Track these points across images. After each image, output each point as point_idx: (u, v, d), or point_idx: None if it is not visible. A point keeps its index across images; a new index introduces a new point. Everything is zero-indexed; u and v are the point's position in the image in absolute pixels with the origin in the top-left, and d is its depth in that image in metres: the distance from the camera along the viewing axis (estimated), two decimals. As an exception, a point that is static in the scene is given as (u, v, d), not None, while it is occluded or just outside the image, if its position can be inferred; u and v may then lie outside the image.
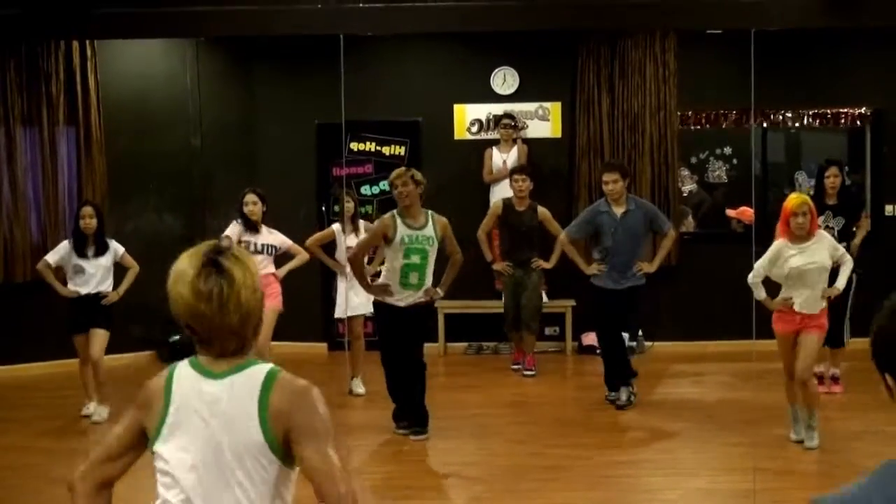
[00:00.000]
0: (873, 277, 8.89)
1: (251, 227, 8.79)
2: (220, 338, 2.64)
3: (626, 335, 9.35)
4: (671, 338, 11.12)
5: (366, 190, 11.35)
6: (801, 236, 7.19)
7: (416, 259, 7.52)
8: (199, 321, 2.62)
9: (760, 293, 7.35)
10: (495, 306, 10.55)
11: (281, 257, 9.03)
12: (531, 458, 7.28)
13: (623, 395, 8.61)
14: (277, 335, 9.09)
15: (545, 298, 10.74)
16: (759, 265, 7.32)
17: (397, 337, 7.67)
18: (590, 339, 10.64)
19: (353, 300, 8.98)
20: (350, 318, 9.17)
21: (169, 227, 11.20)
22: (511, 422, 8.46)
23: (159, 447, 2.69)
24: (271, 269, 8.79)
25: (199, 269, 2.61)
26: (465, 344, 11.26)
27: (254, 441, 2.61)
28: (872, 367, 1.95)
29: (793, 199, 7.28)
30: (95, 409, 8.47)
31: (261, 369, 2.67)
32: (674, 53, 11.12)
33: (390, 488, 6.73)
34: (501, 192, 10.49)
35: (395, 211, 7.63)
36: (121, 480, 2.78)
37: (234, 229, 8.75)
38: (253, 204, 8.75)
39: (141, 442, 2.75)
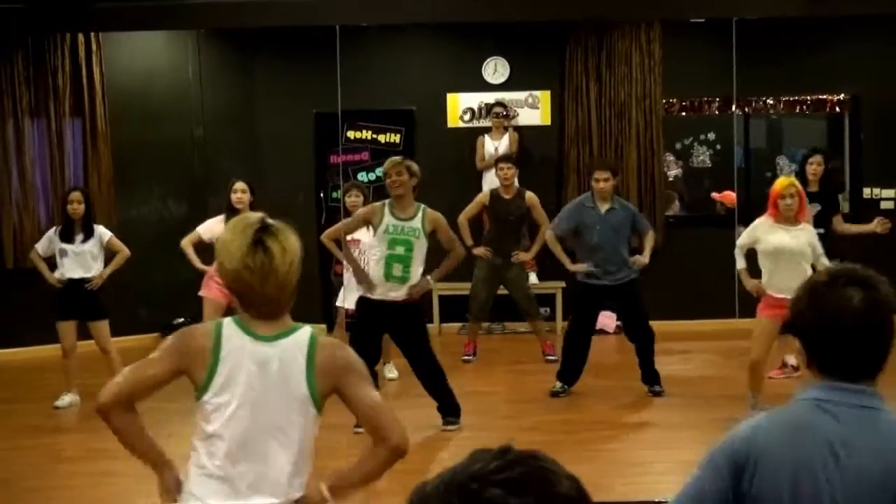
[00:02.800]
0: (852, 259, 9.19)
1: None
2: (258, 303, 3.06)
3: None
4: (657, 317, 11.04)
5: (362, 176, 11.62)
6: (788, 218, 7.31)
7: (400, 250, 7.42)
8: (243, 288, 3.05)
9: (741, 262, 7.59)
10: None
11: None
12: (522, 434, 7.37)
13: (557, 386, 8.60)
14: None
15: (535, 279, 10.96)
16: (743, 234, 7.63)
17: (371, 337, 7.49)
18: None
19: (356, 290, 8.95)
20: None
21: (172, 213, 11.44)
22: (502, 399, 8.66)
23: (208, 398, 3.07)
24: None
25: (249, 245, 3.01)
26: (460, 324, 11.32)
27: (299, 394, 3.06)
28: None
29: (781, 182, 7.46)
30: (70, 400, 8.51)
31: (305, 332, 3.13)
32: (658, 43, 11.34)
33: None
34: (494, 178, 10.70)
35: (387, 201, 7.61)
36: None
37: (218, 226, 8.05)
38: (242, 192, 8.55)
39: (172, 380, 3.11)
